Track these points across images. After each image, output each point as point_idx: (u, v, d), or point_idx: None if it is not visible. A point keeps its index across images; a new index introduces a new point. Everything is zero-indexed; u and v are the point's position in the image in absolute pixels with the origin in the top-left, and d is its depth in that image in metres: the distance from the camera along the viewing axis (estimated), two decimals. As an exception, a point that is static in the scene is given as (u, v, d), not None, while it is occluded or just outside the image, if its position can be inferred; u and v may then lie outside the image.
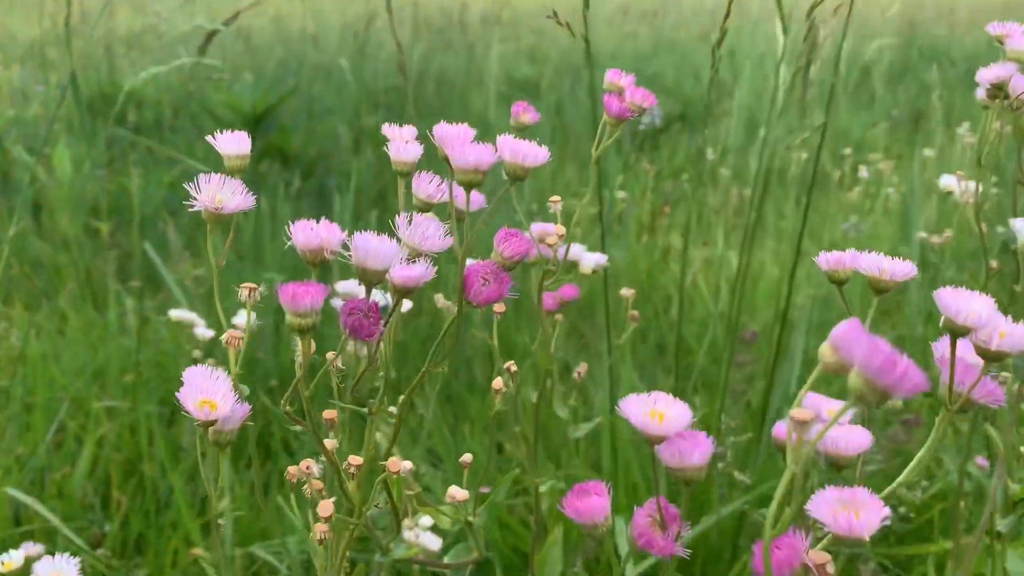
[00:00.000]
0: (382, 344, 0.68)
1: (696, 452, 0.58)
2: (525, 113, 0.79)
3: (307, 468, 0.68)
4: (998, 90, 0.81)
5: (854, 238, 2.90)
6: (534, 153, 0.66)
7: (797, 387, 1.77)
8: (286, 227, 0.66)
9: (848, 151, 3.44)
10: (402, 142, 0.73)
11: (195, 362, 1.60)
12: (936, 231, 2.79)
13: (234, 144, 0.75)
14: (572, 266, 1.03)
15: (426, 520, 1.05)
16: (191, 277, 2.27)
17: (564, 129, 3.91)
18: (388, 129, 0.74)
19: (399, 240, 0.63)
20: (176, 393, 0.66)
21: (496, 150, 0.65)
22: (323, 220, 0.65)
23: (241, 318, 1.76)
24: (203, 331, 1.59)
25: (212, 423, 0.66)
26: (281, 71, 4.86)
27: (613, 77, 0.82)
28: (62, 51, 3.77)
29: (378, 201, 3.24)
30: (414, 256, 0.64)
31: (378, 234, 0.62)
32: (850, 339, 0.46)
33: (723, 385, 1.36)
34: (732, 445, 1.16)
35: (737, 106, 3.62)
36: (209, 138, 0.73)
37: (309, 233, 0.64)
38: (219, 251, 0.71)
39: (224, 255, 0.72)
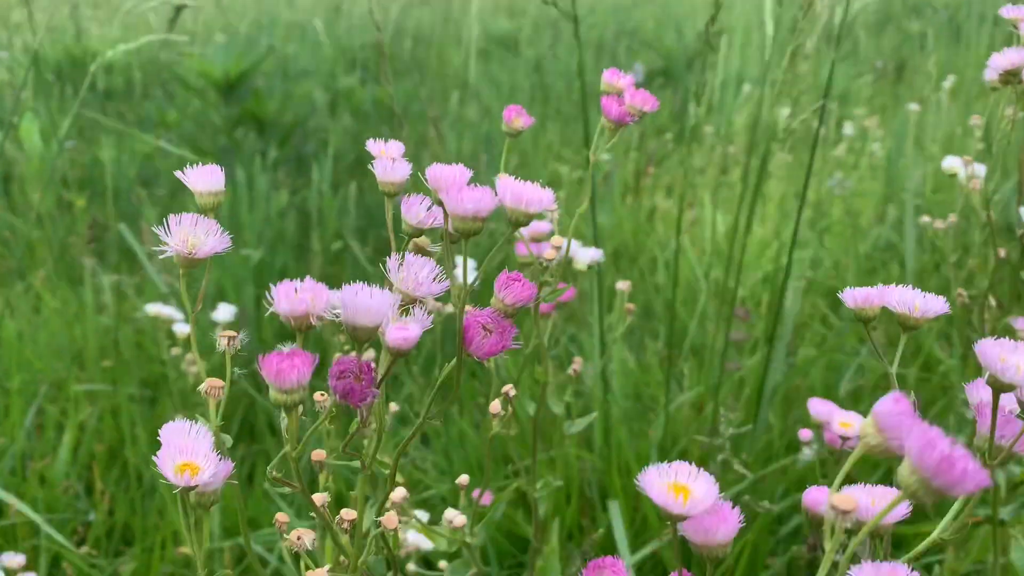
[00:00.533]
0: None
1: (722, 529, 0.54)
2: (518, 118, 0.74)
3: (299, 539, 0.64)
4: (1012, 76, 0.78)
5: (840, 195, 2.88)
6: (538, 198, 0.60)
7: (787, 356, 1.75)
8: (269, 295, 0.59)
9: (833, 106, 3.40)
10: (388, 160, 0.68)
11: (173, 360, 1.55)
12: (923, 191, 2.77)
13: (206, 180, 0.69)
14: (567, 263, 1.00)
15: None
16: (151, 239, 2.22)
17: (544, 87, 3.84)
18: (373, 145, 0.69)
19: (390, 285, 0.59)
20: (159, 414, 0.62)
21: (496, 193, 0.60)
22: (307, 280, 0.59)
23: (221, 313, 1.71)
24: (181, 327, 1.55)
25: (193, 488, 0.61)
26: (255, 31, 4.75)
27: (611, 78, 0.77)
28: (25, 13, 3.66)
29: (356, 168, 3.18)
30: (407, 303, 0.60)
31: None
32: (899, 423, 0.42)
33: (720, 364, 1.34)
34: (731, 436, 1.14)
35: (723, 60, 3.56)
36: (178, 174, 0.68)
37: (294, 300, 0.58)
38: (193, 295, 0.66)
39: (200, 299, 0.67)
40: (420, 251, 0.65)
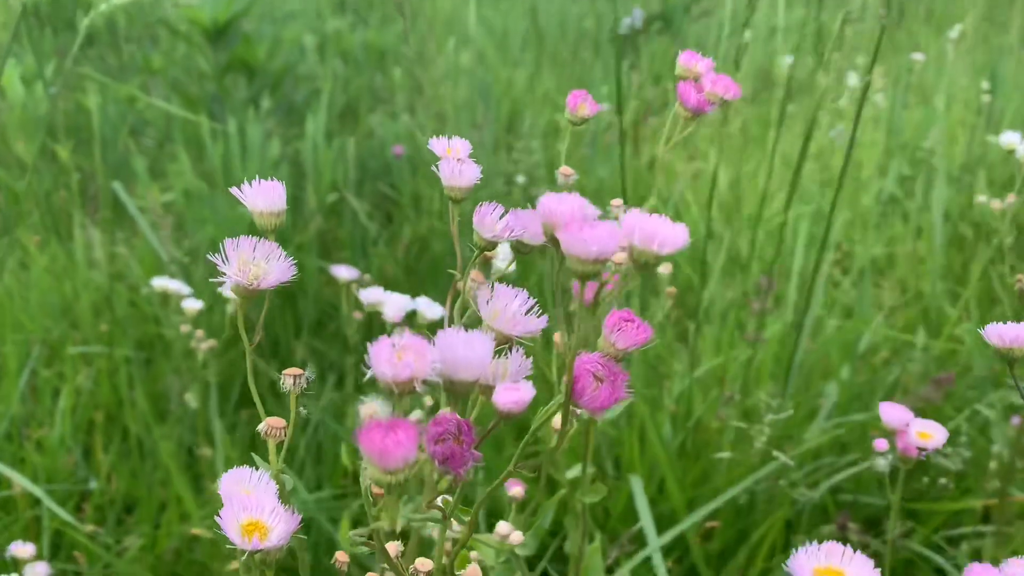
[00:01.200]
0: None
1: None
2: (584, 104, 0.68)
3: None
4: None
5: (841, 146, 2.83)
6: (673, 237, 0.52)
7: (795, 315, 1.72)
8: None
9: (836, 56, 3.34)
10: (454, 161, 0.60)
11: (183, 338, 1.50)
12: (921, 141, 2.73)
13: (266, 198, 0.61)
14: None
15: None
16: (158, 205, 2.16)
17: (539, 32, 3.75)
18: (437, 144, 0.62)
19: (481, 321, 0.53)
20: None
21: (621, 230, 0.52)
22: (406, 335, 0.50)
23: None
24: (191, 303, 1.49)
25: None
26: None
27: (688, 61, 0.71)
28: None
29: (347, 116, 3.10)
30: (501, 343, 0.54)
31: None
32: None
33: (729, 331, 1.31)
34: (771, 423, 1.12)
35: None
36: (234, 191, 0.61)
37: (397, 365, 0.49)
38: (251, 330, 0.60)
39: (258, 333, 0.62)
40: (486, 264, 0.60)
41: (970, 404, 1.40)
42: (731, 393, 1.39)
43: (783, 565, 1.30)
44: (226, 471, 1.49)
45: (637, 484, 1.13)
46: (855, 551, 1.21)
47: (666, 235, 0.52)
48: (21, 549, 1.05)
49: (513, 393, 0.52)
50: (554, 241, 0.53)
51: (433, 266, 2.09)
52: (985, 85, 2.65)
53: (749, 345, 1.42)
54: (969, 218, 2.15)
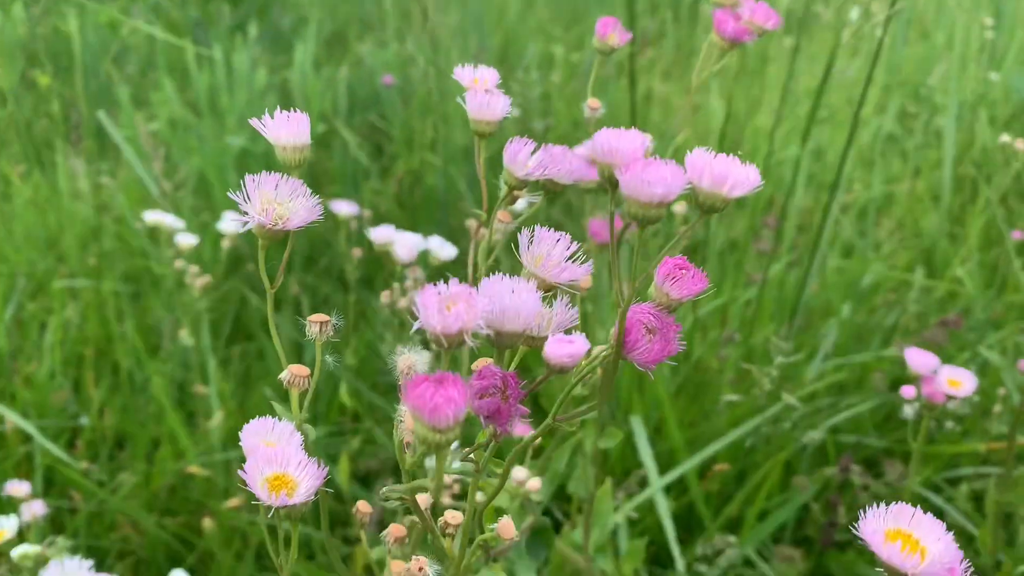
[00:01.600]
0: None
1: None
2: (613, 34, 0.64)
3: (420, 570, 0.54)
4: None
5: (839, 82, 2.79)
6: (743, 178, 0.49)
7: (789, 252, 1.70)
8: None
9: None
10: (482, 92, 0.56)
11: (176, 277, 1.46)
12: (922, 78, 2.69)
13: (291, 131, 0.56)
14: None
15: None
16: (143, 133, 2.10)
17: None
18: (462, 73, 0.58)
19: (523, 268, 0.50)
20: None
21: (686, 171, 0.48)
22: (452, 283, 0.47)
23: (226, 224, 1.61)
24: (185, 238, 1.45)
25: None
26: None
27: None
28: None
29: (335, 45, 3.02)
30: (543, 289, 0.50)
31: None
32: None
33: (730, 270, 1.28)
34: (779, 366, 1.10)
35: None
36: (255, 123, 0.57)
37: (447, 316, 0.46)
38: (273, 270, 0.56)
39: (279, 277, 0.58)
40: (513, 202, 0.56)
41: (971, 347, 1.40)
42: (731, 333, 1.37)
43: (780, 506, 1.30)
44: (220, 407, 1.47)
45: (638, 425, 1.12)
46: (860, 492, 1.20)
47: (738, 176, 0.49)
48: (16, 488, 1.03)
49: (567, 346, 0.49)
50: (611, 182, 0.49)
51: (426, 200, 2.05)
52: (989, 21, 2.60)
53: (751, 285, 1.40)
54: (970, 157, 2.12)
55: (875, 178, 2.25)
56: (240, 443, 0.56)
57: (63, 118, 2.26)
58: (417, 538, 0.65)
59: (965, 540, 1.21)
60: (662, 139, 2.42)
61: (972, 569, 0.48)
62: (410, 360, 0.47)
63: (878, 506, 0.49)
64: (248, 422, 0.57)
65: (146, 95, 2.47)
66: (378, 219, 1.96)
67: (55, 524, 1.33)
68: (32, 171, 2.08)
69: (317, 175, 2.25)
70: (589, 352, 0.51)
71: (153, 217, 1.47)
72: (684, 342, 0.52)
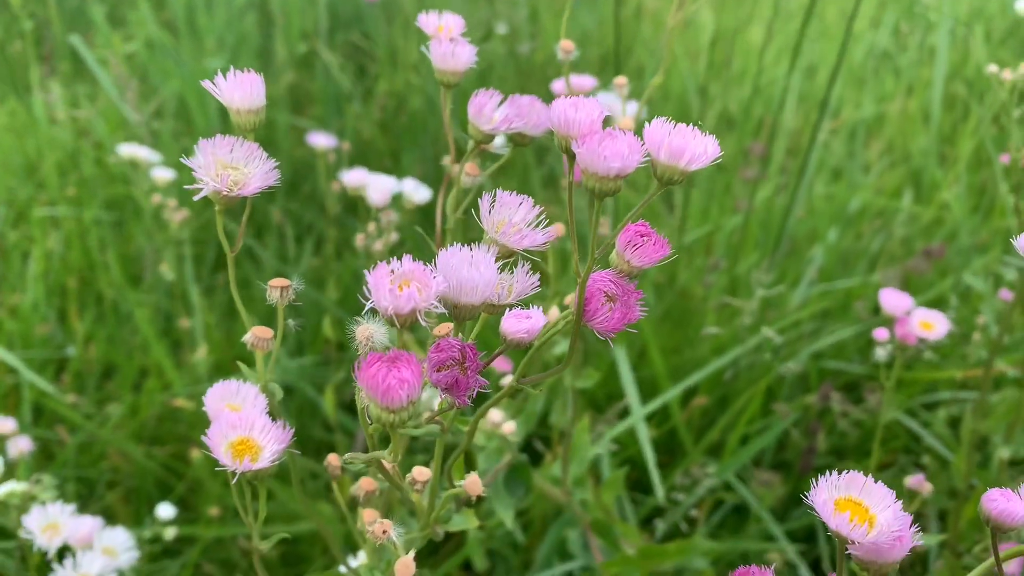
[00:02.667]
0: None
1: (896, 549, 0.50)
2: None
3: (383, 532, 0.54)
4: None
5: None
6: (700, 151, 0.48)
7: (784, 177, 1.69)
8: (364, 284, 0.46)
9: None
10: (447, 40, 0.54)
11: (156, 209, 1.44)
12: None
13: (244, 93, 0.54)
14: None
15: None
16: (119, 56, 2.05)
17: None
18: (425, 19, 0.56)
19: (484, 235, 0.49)
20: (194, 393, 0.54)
21: (643, 143, 0.47)
22: (406, 260, 0.46)
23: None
24: (161, 172, 1.42)
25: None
26: None
27: None
28: None
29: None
30: (504, 255, 0.49)
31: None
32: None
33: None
34: (759, 298, 1.10)
35: None
36: (207, 84, 0.55)
37: (398, 297, 0.45)
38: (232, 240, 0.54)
39: (239, 243, 0.56)
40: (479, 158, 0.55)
41: (956, 272, 1.40)
42: (717, 260, 1.37)
43: (761, 431, 1.32)
44: (205, 339, 1.47)
45: (621, 354, 1.13)
46: (840, 418, 1.21)
47: (695, 150, 0.48)
48: (2, 424, 1.04)
49: (524, 321, 0.49)
50: (569, 153, 0.49)
51: (411, 124, 2.02)
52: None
53: (736, 212, 1.39)
54: (963, 75, 2.08)
55: (866, 97, 2.22)
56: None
57: (36, 40, 2.20)
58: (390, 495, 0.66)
59: (940, 464, 1.24)
60: (652, 57, 2.38)
61: (920, 530, 0.49)
62: (368, 331, 0.47)
63: (838, 472, 0.49)
64: (234, 354, 0.57)
65: (123, 14, 2.41)
66: (360, 146, 1.93)
67: (45, 453, 1.34)
68: (7, 95, 2.04)
69: (299, 97, 2.21)
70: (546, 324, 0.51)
71: (128, 150, 1.45)
72: (667, 270, 0.51)
